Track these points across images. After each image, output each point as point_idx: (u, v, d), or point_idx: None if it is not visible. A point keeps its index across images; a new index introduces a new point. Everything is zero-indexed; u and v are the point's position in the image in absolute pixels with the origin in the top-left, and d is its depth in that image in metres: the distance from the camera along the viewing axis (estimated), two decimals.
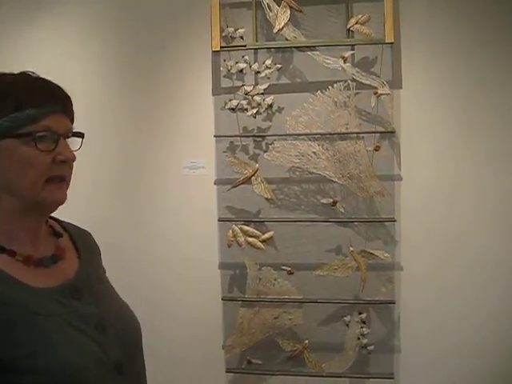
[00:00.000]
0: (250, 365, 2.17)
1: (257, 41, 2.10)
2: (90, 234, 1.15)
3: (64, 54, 2.28)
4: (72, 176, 0.96)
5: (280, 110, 2.12)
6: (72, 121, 0.97)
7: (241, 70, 2.09)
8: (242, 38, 2.08)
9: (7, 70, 0.95)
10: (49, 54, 2.27)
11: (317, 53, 2.07)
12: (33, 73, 0.96)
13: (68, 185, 0.96)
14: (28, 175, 0.89)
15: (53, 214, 1.03)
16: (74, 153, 0.95)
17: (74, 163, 0.96)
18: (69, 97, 0.96)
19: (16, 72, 0.95)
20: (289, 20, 2.06)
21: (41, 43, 2.30)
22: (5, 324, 0.82)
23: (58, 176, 0.92)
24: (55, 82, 0.96)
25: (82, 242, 1.08)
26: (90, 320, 0.92)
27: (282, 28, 2.06)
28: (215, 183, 2.19)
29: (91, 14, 2.28)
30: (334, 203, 2.09)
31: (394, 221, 2.08)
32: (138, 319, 1.06)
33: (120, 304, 1.07)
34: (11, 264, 0.89)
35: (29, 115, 0.88)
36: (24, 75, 0.95)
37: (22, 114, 0.88)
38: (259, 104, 2.08)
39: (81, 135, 0.98)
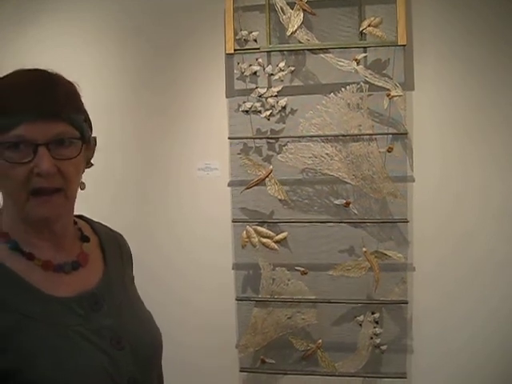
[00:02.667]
0: (264, 364, 2.20)
1: (270, 43, 2.12)
2: (121, 236, 1.11)
3: (80, 53, 2.30)
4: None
5: (293, 111, 2.14)
6: (74, 124, 0.87)
7: (254, 73, 2.11)
8: (255, 40, 2.10)
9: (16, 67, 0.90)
10: (64, 53, 2.28)
11: (330, 55, 2.08)
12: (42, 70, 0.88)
13: (68, 197, 0.88)
14: (9, 188, 0.85)
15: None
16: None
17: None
18: (63, 98, 0.85)
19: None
20: (302, 23, 2.08)
21: (56, 41, 2.32)
22: (10, 334, 0.78)
23: (42, 189, 0.84)
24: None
25: (111, 247, 1.03)
26: (105, 333, 0.87)
27: (296, 31, 2.08)
28: (229, 185, 2.21)
29: (107, 14, 2.30)
30: (347, 204, 2.11)
31: (407, 221, 2.09)
32: (160, 333, 1.01)
33: (142, 316, 1.01)
34: (28, 268, 0.86)
35: None
36: (7, 78, 0.87)
37: None
38: (273, 106, 2.10)
39: (81, 139, 0.88)
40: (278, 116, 2.14)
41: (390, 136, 2.09)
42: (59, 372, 0.79)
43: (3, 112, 0.81)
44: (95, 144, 0.96)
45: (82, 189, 0.93)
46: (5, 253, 0.87)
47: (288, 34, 2.09)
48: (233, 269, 2.23)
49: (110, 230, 1.09)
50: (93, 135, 0.95)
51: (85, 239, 0.99)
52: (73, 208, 0.94)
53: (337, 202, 2.12)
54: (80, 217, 1.04)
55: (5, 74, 0.89)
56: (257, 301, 2.18)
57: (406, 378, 2.12)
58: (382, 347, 2.11)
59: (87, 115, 0.93)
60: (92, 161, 0.97)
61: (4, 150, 0.82)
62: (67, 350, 0.82)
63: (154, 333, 1.00)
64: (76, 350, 0.83)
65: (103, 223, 1.09)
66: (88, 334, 0.85)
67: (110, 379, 0.84)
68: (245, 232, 2.15)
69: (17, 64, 0.90)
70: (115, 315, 0.92)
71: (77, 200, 0.92)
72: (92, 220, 1.06)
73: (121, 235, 1.11)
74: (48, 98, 0.83)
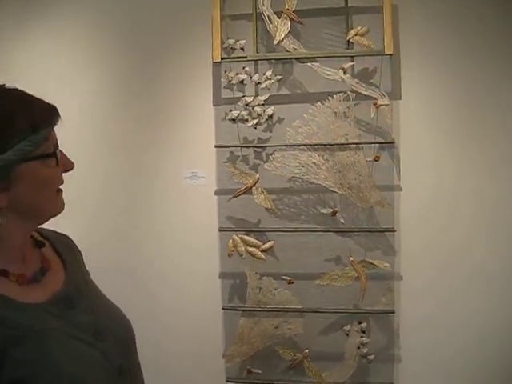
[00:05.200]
0: (250, 374, 2.18)
1: (257, 52, 2.12)
2: (68, 237, 1.12)
3: (66, 63, 2.29)
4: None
5: (280, 120, 2.13)
6: None
7: (241, 81, 2.11)
8: (242, 49, 2.09)
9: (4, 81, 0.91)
10: (50, 63, 2.28)
11: (317, 64, 2.08)
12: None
13: None
14: (46, 193, 0.90)
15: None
16: None
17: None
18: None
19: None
20: (289, 31, 2.08)
21: (42, 52, 2.31)
22: (3, 349, 0.80)
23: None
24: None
25: (64, 248, 1.05)
26: (86, 328, 0.91)
27: (283, 39, 2.08)
28: (216, 193, 2.20)
29: (94, 24, 2.29)
30: (334, 213, 2.10)
31: (394, 231, 2.09)
32: (130, 321, 1.06)
33: (110, 306, 1.05)
34: (5, 284, 0.87)
35: (44, 135, 0.86)
36: (20, 91, 0.90)
37: (39, 134, 0.85)
38: (259, 115, 2.09)
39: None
40: (265, 125, 2.13)
41: (377, 145, 2.09)
42: (60, 375, 0.82)
43: (47, 122, 0.87)
44: None
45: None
46: None
47: (275, 42, 2.09)
48: (219, 278, 2.22)
49: (57, 233, 1.10)
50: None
51: (40, 244, 1.00)
52: None
53: (323, 210, 2.11)
54: None
55: None
56: (243, 310, 2.17)
57: None
58: (369, 357, 2.10)
59: None
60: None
61: (44, 160, 0.88)
62: (63, 353, 0.85)
63: (127, 321, 1.05)
64: (69, 350, 0.86)
65: (49, 229, 1.08)
66: (74, 333, 0.88)
67: (102, 371, 0.89)
68: (231, 241, 2.13)
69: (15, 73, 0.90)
70: (89, 310, 0.96)
71: None
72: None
73: (67, 236, 1.13)
74: (51, 105, 0.91)
